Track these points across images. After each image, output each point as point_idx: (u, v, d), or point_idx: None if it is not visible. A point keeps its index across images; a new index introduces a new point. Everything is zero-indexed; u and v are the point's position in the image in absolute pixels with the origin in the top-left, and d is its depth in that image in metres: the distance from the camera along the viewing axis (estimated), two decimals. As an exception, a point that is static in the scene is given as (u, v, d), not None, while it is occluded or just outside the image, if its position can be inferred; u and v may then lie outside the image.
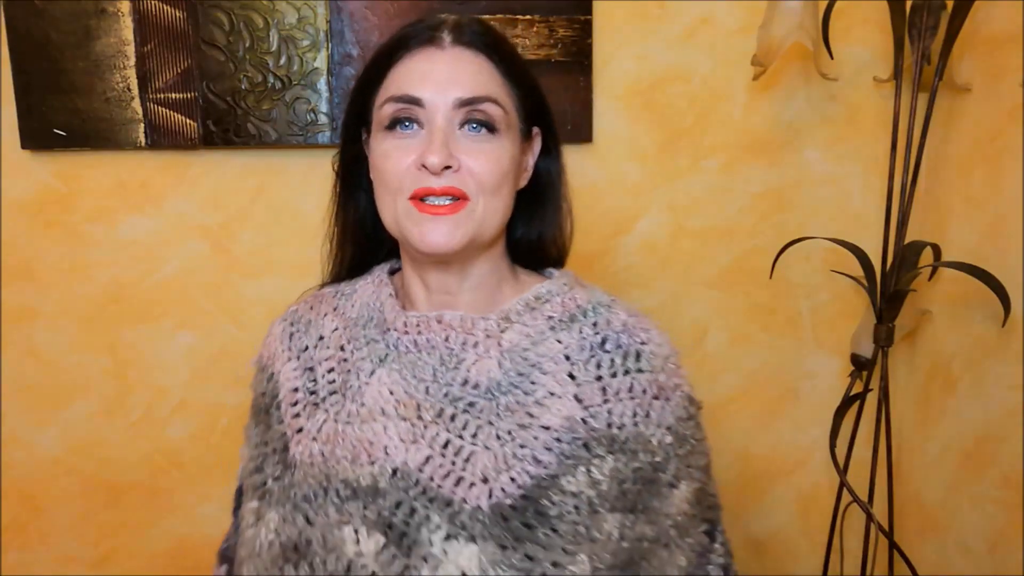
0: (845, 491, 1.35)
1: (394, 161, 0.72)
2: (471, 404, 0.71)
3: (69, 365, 1.36)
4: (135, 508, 1.41)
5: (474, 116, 0.72)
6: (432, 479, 0.69)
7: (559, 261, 0.85)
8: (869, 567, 1.36)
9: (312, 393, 0.77)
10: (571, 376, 0.71)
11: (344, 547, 0.69)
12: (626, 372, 0.71)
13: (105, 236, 1.33)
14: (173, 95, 1.28)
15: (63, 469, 1.39)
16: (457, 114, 0.71)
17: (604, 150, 1.38)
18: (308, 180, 1.35)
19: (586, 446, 0.69)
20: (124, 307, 1.35)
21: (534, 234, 0.82)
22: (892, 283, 1.27)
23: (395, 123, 0.73)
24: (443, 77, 0.71)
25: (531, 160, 0.81)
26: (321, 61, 1.29)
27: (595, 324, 0.74)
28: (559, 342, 0.73)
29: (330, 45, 1.29)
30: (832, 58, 1.26)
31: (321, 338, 0.80)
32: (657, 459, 0.71)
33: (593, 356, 0.72)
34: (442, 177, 0.70)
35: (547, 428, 0.69)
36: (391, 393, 0.73)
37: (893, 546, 1.35)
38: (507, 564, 0.65)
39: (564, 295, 0.77)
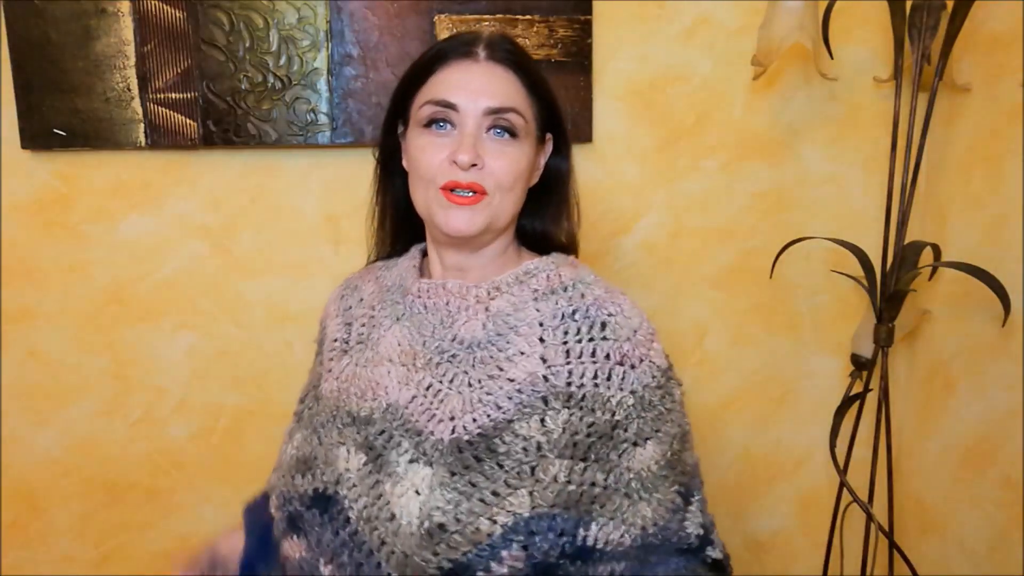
0: (845, 491, 1.35)
1: (429, 155, 0.84)
2: (453, 356, 0.83)
3: (69, 365, 1.36)
4: (135, 508, 1.41)
5: (499, 123, 0.83)
6: (412, 414, 0.82)
7: (567, 247, 0.94)
8: (869, 567, 1.36)
9: (346, 343, 0.93)
10: (541, 340, 0.81)
11: (337, 463, 0.84)
12: (591, 339, 0.81)
13: (105, 236, 1.33)
14: (173, 95, 1.28)
15: (63, 469, 1.39)
16: (485, 120, 0.83)
17: (604, 150, 1.38)
18: (308, 180, 1.35)
19: (544, 399, 0.79)
20: (124, 307, 1.35)
21: (539, 223, 0.93)
22: (892, 283, 1.27)
23: (431, 122, 0.84)
24: (476, 87, 0.83)
25: (543, 160, 0.92)
26: (321, 61, 1.29)
27: (570, 297, 0.84)
28: (537, 311, 0.83)
29: (330, 45, 1.29)
30: (832, 58, 1.26)
31: (361, 300, 0.95)
32: (617, 418, 0.80)
33: (563, 324, 0.82)
34: (468, 172, 0.82)
35: (512, 380, 0.80)
36: (399, 344, 0.87)
37: (893, 546, 1.35)
38: (451, 487, 0.76)
39: (550, 271, 0.87)
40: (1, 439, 1.37)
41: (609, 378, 0.80)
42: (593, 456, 0.79)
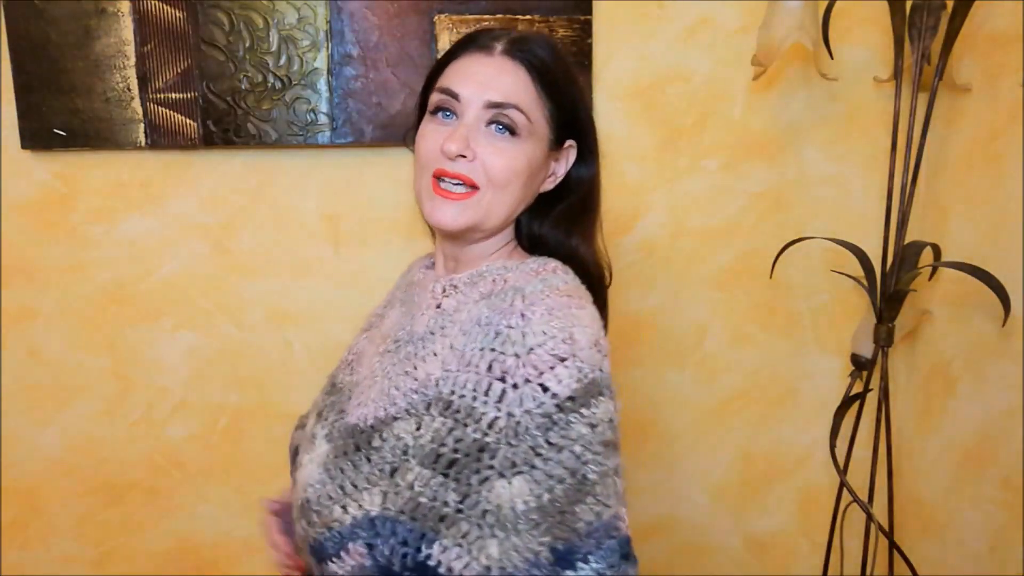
0: (845, 491, 1.35)
1: (427, 142, 0.83)
2: (399, 347, 0.85)
3: (69, 365, 1.36)
4: (135, 508, 1.41)
5: (499, 118, 0.81)
6: (350, 395, 0.86)
7: (580, 258, 0.88)
8: (869, 567, 1.36)
9: (377, 317, 0.97)
10: (451, 345, 0.80)
11: (309, 421, 0.90)
12: (482, 349, 0.77)
13: (105, 236, 1.33)
14: (173, 95, 1.28)
15: (63, 469, 1.39)
16: (486, 113, 0.81)
17: (604, 150, 1.37)
18: (308, 180, 1.35)
19: (428, 404, 0.77)
20: (124, 307, 1.35)
21: (547, 231, 0.88)
22: (892, 283, 1.27)
23: (438, 110, 0.84)
24: (482, 79, 0.81)
25: (562, 168, 0.88)
26: (321, 61, 1.29)
27: (497, 303, 0.80)
28: (470, 313, 0.81)
29: (330, 45, 1.29)
30: (832, 58, 1.26)
31: (398, 287, 0.99)
32: (487, 439, 0.73)
33: (473, 329, 0.79)
34: (457, 164, 0.80)
35: (416, 380, 0.79)
36: (388, 329, 0.90)
37: (893, 546, 1.35)
38: (328, 466, 0.79)
39: (497, 275, 0.84)
40: (1, 439, 1.37)
41: (487, 393, 0.74)
42: (453, 473, 0.73)
